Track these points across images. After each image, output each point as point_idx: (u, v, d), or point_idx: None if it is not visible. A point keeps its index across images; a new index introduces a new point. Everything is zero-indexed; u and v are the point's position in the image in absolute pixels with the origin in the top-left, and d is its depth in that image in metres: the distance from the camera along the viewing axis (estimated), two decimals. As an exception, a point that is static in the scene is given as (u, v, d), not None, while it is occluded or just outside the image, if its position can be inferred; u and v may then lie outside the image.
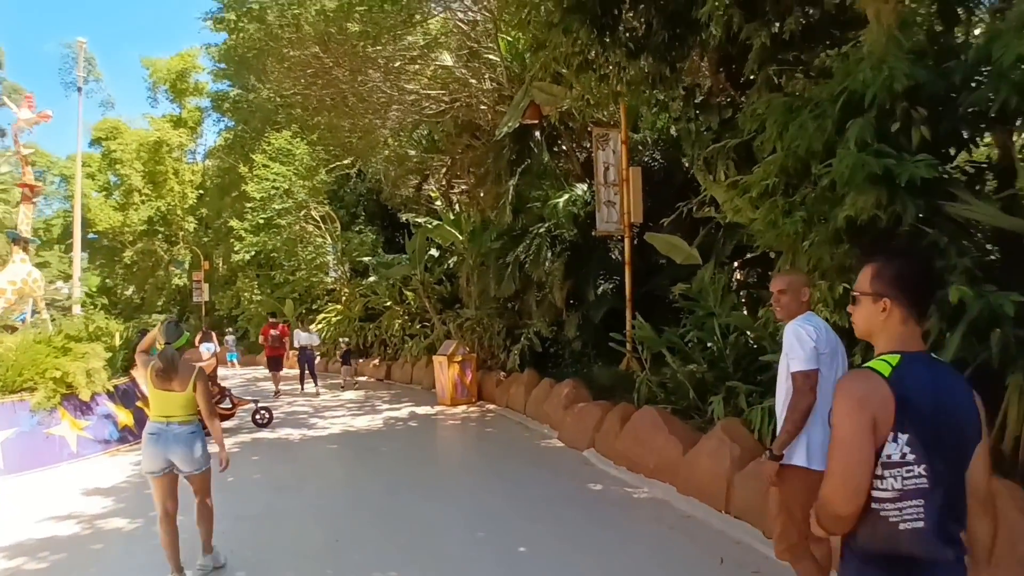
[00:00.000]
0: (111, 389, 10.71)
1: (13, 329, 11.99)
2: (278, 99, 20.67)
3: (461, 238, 16.70)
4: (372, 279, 20.54)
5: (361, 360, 21.77)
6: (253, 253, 26.80)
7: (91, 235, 41.83)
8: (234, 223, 25.66)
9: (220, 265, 34.86)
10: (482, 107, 14.41)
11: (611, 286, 12.38)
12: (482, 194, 15.87)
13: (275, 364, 17.65)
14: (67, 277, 54.50)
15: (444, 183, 18.16)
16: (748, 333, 7.95)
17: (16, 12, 71.85)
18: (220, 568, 5.19)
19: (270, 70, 13.59)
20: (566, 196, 12.50)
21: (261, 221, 23.01)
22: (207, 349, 34.56)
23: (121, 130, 38.30)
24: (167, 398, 4.87)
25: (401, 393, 16.46)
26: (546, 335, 12.81)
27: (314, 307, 25.25)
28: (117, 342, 12.43)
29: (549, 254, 12.46)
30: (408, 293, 19.48)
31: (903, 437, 1.79)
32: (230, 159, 29.04)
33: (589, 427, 8.85)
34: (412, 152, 17.41)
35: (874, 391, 1.81)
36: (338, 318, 22.93)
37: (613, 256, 12.70)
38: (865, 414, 1.80)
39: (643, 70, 8.34)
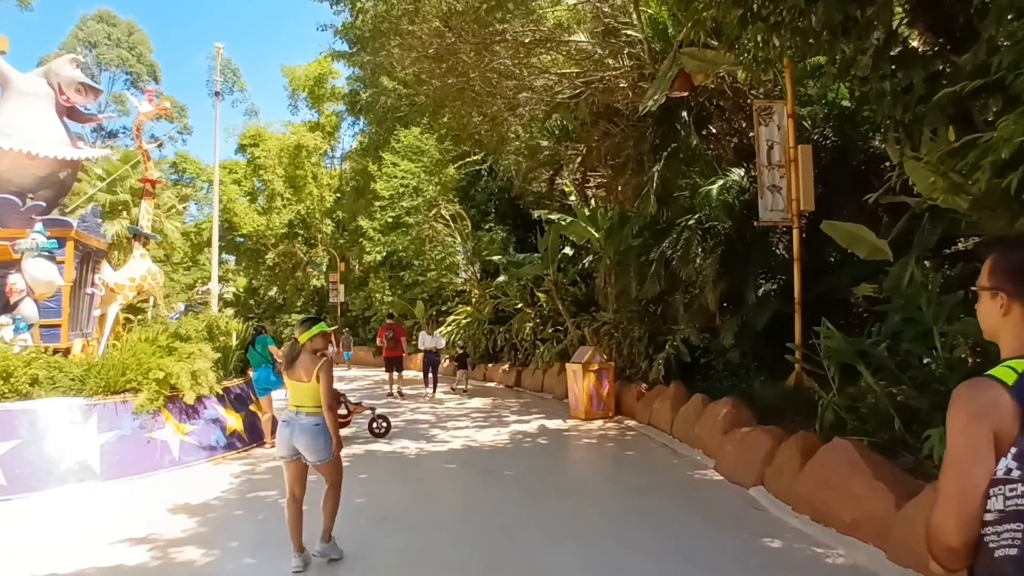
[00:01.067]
0: (220, 392, 10.08)
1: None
2: (403, 89, 20.09)
3: (597, 235, 15.30)
4: (502, 279, 19.46)
5: (490, 365, 20.78)
6: (384, 254, 26.53)
7: (238, 238, 43.70)
8: (363, 222, 25.43)
9: (356, 266, 35.10)
10: (621, 86, 12.90)
11: (774, 286, 10.53)
12: (620, 186, 14.38)
13: (392, 366, 17.25)
14: (221, 279, 57.70)
15: (578, 176, 16.79)
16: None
17: (170, 27, 77.20)
18: (336, 560, 5.26)
19: (392, 50, 12.68)
20: (720, 183, 10.79)
21: (390, 220, 22.51)
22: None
23: (264, 137, 39.58)
24: (296, 388, 5.11)
25: (531, 403, 15.21)
26: (695, 343, 11.15)
27: (444, 309, 24.59)
28: (233, 342, 11.92)
29: (700, 250, 10.79)
30: (540, 295, 18.27)
31: (1013, 450, 1.50)
32: (364, 161, 28.99)
33: (756, 459, 7.17)
34: (544, 143, 16.16)
35: (994, 402, 1.53)
36: (467, 320, 22.08)
37: (777, 251, 10.85)
38: (982, 428, 1.52)
39: (824, 16, 6.62)
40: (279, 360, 6.94)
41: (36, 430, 8.33)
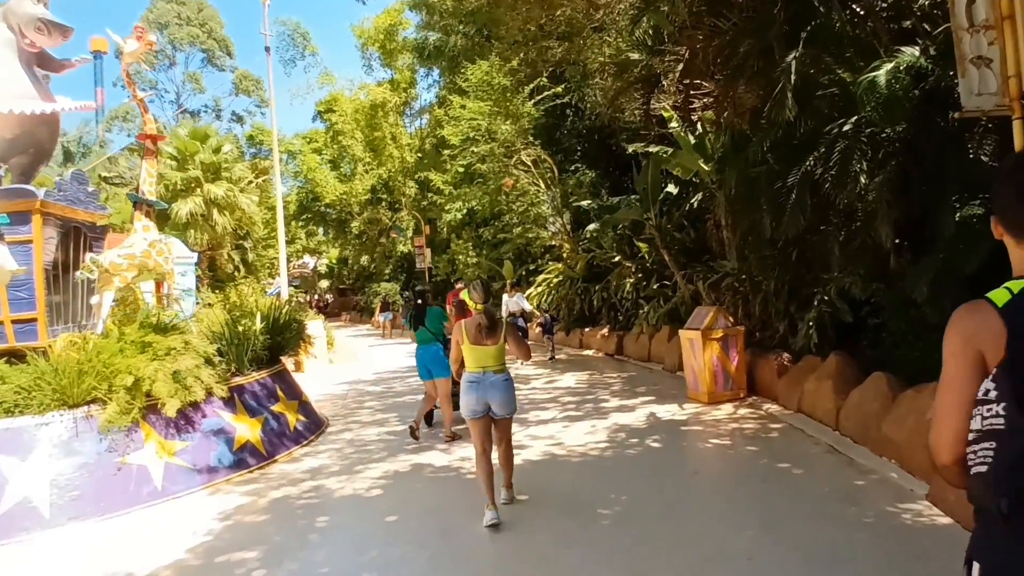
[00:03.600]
0: (226, 394, 7.83)
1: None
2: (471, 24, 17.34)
3: (707, 167, 12.22)
4: (593, 227, 16.53)
5: (587, 330, 17.99)
6: (464, 211, 24.06)
7: (323, 209, 42.42)
8: (434, 177, 22.93)
9: (443, 228, 32.86)
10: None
11: (980, 210, 7.26)
12: (736, 98, 11.16)
13: None
14: (313, 251, 57.17)
15: (679, 95, 13.61)
16: None
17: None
18: (519, 502, 5.77)
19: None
20: (888, 66, 7.52)
21: (460, 170, 19.87)
22: (384, 318, 33.50)
23: (340, 101, 37.71)
24: (483, 352, 5.53)
25: (636, 377, 12.36)
26: (859, 296, 8.02)
27: (533, 267, 21.90)
28: (258, 324, 9.69)
29: (862, 165, 7.59)
30: (640, 244, 15.30)
31: (994, 371, 1.55)
32: (440, 113, 26.41)
33: None
34: (634, 55, 13.04)
35: (983, 324, 1.58)
36: (559, 279, 19.33)
37: (984, 158, 7.52)
38: (969, 351, 1.59)
39: None
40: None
41: None
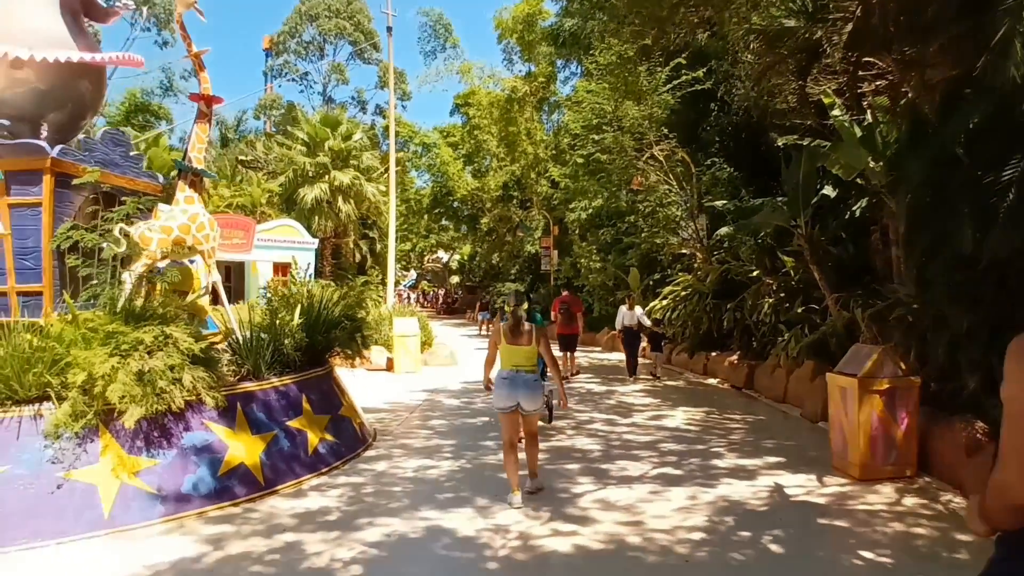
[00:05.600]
0: (222, 402, 6.23)
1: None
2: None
3: (876, 166, 9.57)
4: (726, 230, 13.97)
5: (713, 354, 15.42)
6: (589, 211, 21.96)
7: (454, 203, 41.60)
8: (553, 170, 20.91)
9: (574, 228, 30.89)
10: None
11: None
12: (925, 64, 8.44)
13: (566, 344, 14.74)
14: (447, 247, 56.78)
15: (844, 74, 10.91)
16: None
17: None
18: (541, 491, 6.29)
19: None
20: None
21: (580, 161, 17.73)
22: (483, 317, 32.13)
23: (477, 94, 36.59)
24: (516, 351, 6.06)
25: (765, 424, 9.81)
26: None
27: (659, 277, 19.43)
28: (296, 318, 8.13)
29: None
30: (785, 258, 12.63)
31: None
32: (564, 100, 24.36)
33: None
34: (789, 22, 10.50)
35: None
36: (686, 291, 16.81)
37: None
38: None
39: None
40: None
41: None
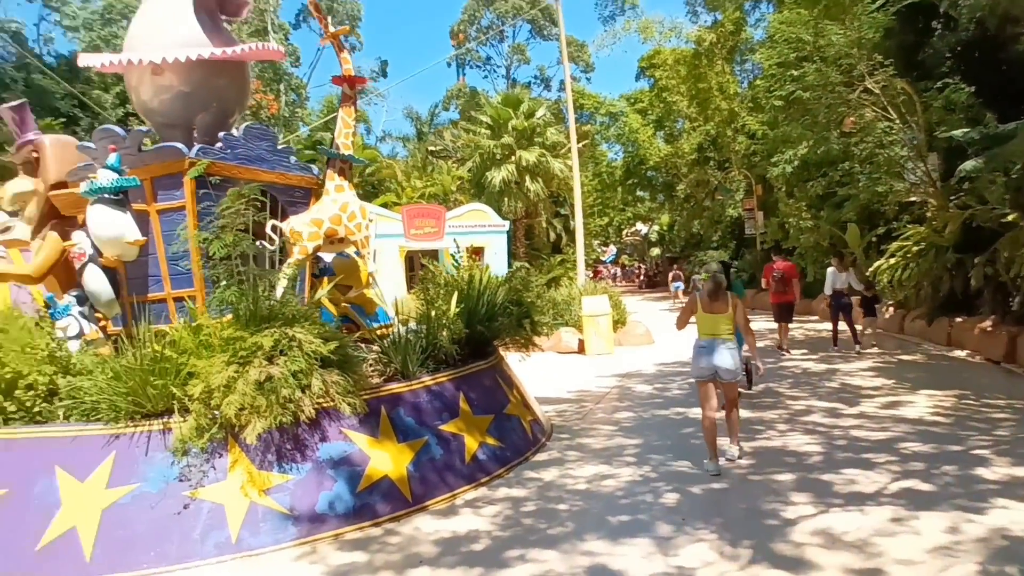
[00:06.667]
0: (362, 408, 5.56)
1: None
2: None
3: None
4: (969, 165, 11.36)
5: (959, 319, 12.82)
6: (794, 163, 19.50)
7: (648, 172, 39.77)
8: (749, 119, 18.66)
9: (779, 186, 28.14)
10: None
11: None
12: None
13: (781, 314, 13.25)
14: (645, 218, 54.84)
15: None
16: None
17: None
18: (735, 459, 6.27)
19: None
20: None
21: (778, 104, 15.47)
22: (676, 288, 30.00)
23: (662, 54, 34.44)
24: (714, 319, 6.18)
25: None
26: None
27: (889, 232, 16.67)
28: (453, 307, 7.36)
29: None
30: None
31: None
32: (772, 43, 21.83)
33: None
34: None
35: None
36: (919, 247, 14.20)
37: None
38: None
39: None
40: None
41: (26, 475, 5.04)
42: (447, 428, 6.25)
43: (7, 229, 7.72)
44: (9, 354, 5.41)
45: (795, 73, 13.94)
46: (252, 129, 7.90)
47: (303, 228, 7.57)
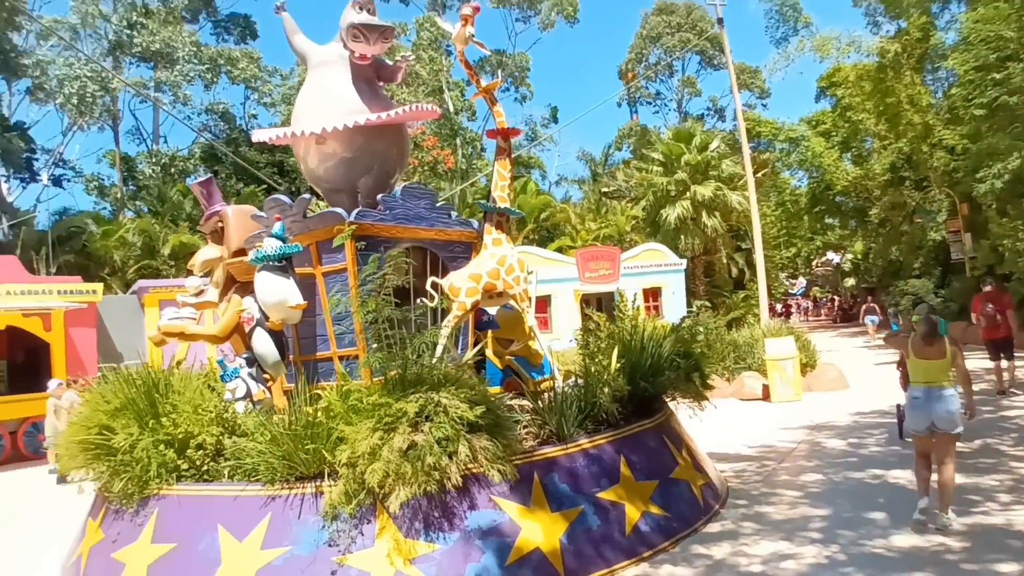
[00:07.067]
0: (511, 476, 5.32)
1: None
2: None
3: None
4: None
5: None
6: (1005, 176, 17.27)
7: (837, 198, 37.19)
8: (946, 134, 16.73)
9: (986, 203, 25.20)
10: None
11: None
12: None
13: (995, 349, 12.15)
14: (835, 248, 51.23)
15: None
16: None
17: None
18: (946, 528, 5.52)
19: None
20: None
21: (978, 113, 13.66)
22: (871, 322, 27.30)
23: (843, 71, 32.26)
24: (928, 365, 5.79)
25: None
26: None
27: None
28: (614, 362, 6.93)
29: None
30: None
31: None
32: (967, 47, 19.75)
33: None
34: None
35: None
36: None
37: None
38: None
39: None
40: None
41: (192, 531, 5.34)
42: (606, 496, 5.83)
43: (201, 292, 8.39)
44: (183, 414, 5.77)
45: (998, 76, 12.34)
46: (410, 189, 8.04)
47: (461, 284, 7.55)
